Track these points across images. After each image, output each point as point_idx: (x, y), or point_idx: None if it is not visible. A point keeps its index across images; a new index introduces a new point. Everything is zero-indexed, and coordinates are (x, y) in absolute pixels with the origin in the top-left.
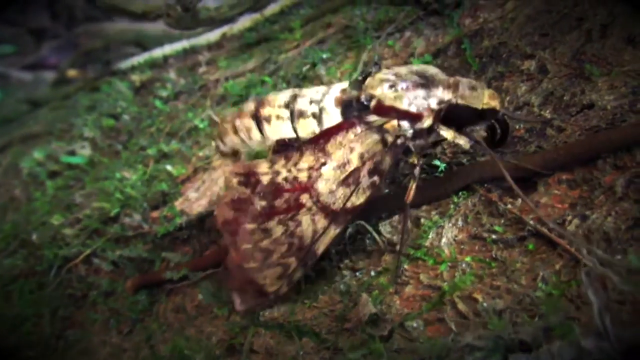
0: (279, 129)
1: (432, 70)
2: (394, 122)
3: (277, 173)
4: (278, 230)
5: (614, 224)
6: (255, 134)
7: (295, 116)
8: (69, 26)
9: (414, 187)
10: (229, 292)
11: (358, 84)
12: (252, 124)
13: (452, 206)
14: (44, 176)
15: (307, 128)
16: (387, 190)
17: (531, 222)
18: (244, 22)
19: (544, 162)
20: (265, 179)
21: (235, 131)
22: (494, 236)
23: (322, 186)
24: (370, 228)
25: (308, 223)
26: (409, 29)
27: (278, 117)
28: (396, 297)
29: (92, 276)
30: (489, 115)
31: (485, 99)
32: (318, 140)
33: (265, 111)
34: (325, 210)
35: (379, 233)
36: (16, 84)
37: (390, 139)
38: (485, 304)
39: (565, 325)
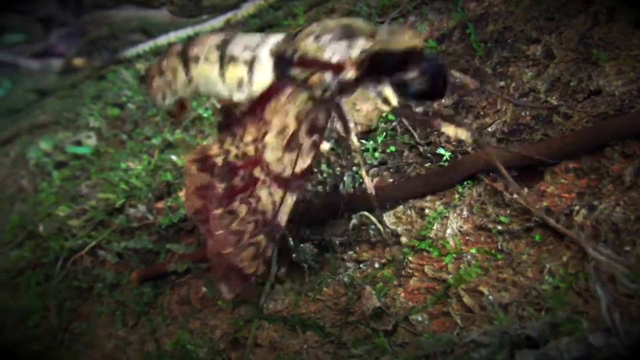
0: (206, 72)
1: (357, 22)
2: (317, 75)
3: (228, 152)
4: (242, 210)
5: (623, 214)
6: (181, 75)
7: (225, 61)
8: (77, 14)
9: (365, 176)
10: (216, 283)
11: (290, 38)
12: (178, 64)
13: (456, 196)
14: (50, 167)
15: (236, 74)
16: (391, 180)
17: (538, 212)
18: (248, 8)
19: (550, 150)
20: (219, 160)
21: (161, 72)
22: (499, 227)
23: (269, 156)
24: (374, 219)
25: (266, 196)
26: (413, 14)
27: (207, 59)
28: (400, 289)
29: (97, 268)
30: (414, 57)
31: (405, 40)
32: (256, 110)
33: (194, 50)
34: (278, 179)
35: (383, 224)
36: (25, 73)
37: (317, 93)
38: (491, 297)
39: (572, 320)
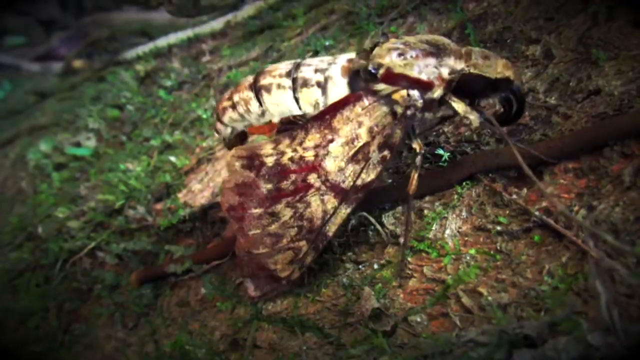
0: (280, 99)
1: (443, 39)
2: (404, 92)
3: (282, 153)
4: (286, 213)
5: (622, 214)
6: (254, 105)
7: (298, 85)
8: (77, 16)
9: (416, 176)
10: (242, 279)
11: (366, 54)
12: (250, 95)
13: (455, 197)
14: (50, 168)
15: (310, 98)
16: (390, 180)
17: (537, 212)
18: (248, 9)
19: (549, 150)
20: (269, 161)
21: (234, 106)
22: (498, 227)
23: (330, 164)
24: (373, 220)
25: (317, 204)
26: (412, 14)
27: (279, 86)
28: (399, 290)
29: (96, 269)
30: (503, 86)
31: (499, 68)
32: (324, 117)
33: (264, 80)
34: (335, 189)
35: (382, 225)
36: (25, 75)
37: (399, 110)
38: (490, 298)
39: (571, 320)
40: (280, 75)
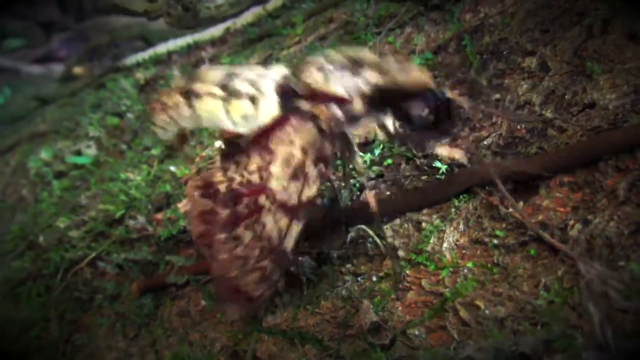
0: (210, 107)
1: (362, 52)
2: (323, 107)
3: (232, 179)
4: (247, 236)
5: (617, 228)
6: (184, 110)
7: (230, 96)
8: (77, 19)
9: (371, 197)
10: (220, 303)
11: (294, 69)
12: (180, 100)
13: (453, 210)
14: (50, 176)
15: (240, 109)
16: (388, 193)
17: (533, 227)
18: (247, 17)
19: (545, 164)
20: (222, 187)
21: (164, 109)
22: (495, 241)
23: (275, 185)
24: (371, 232)
25: (272, 223)
26: (409, 25)
27: (210, 94)
28: (398, 303)
29: (97, 279)
30: (423, 92)
31: (413, 73)
32: (260, 140)
33: (196, 87)
34: (284, 207)
35: (381, 237)
36: (25, 79)
37: (324, 125)
38: (487, 312)
39: (566, 336)
40: (213, 83)
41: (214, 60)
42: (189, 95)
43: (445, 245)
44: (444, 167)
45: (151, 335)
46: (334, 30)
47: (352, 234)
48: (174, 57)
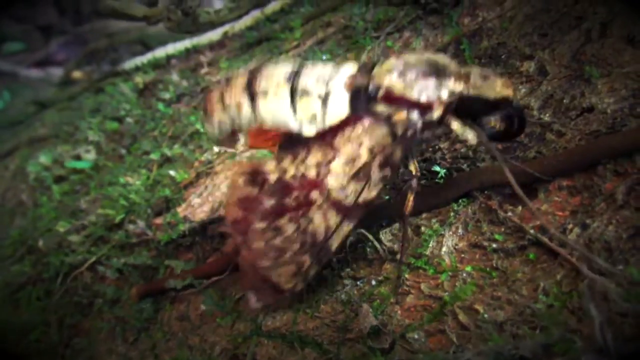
0: (276, 106)
1: (443, 59)
2: (403, 113)
3: (285, 171)
4: (289, 228)
5: (615, 232)
6: (247, 110)
7: (298, 94)
8: (76, 22)
9: (411, 198)
10: (244, 291)
11: (366, 71)
12: (244, 99)
13: (452, 214)
14: (50, 181)
15: (309, 109)
16: (387, 197)
17: (532, 231)
18: (246, 21)
19: (543, 168)
20: (272, 178)
21: (224, 108)
22: (494, 245)
23: (332, 182)
24: (370, 236)
25: (320, 220)
26: (408, 29)
27: (276, 92)
28: (397, 307)
29: (97, 284)
30: (502, 105)
31: (498, 88)
32: (325, 136)
33: (261, 84)
34: (337, 206)
35: (380, 241)
36: (24, 83)
37: (399, 131)
38: (486, 316)
39: (566, 340)
40: (279, 81)
41: (213, 64)
42: (254, 94)
43: (444, 249)
44: (442, 172)
45: (151, 339)
46: (333, 34)
47: (351, 238)
48: (173, 61)
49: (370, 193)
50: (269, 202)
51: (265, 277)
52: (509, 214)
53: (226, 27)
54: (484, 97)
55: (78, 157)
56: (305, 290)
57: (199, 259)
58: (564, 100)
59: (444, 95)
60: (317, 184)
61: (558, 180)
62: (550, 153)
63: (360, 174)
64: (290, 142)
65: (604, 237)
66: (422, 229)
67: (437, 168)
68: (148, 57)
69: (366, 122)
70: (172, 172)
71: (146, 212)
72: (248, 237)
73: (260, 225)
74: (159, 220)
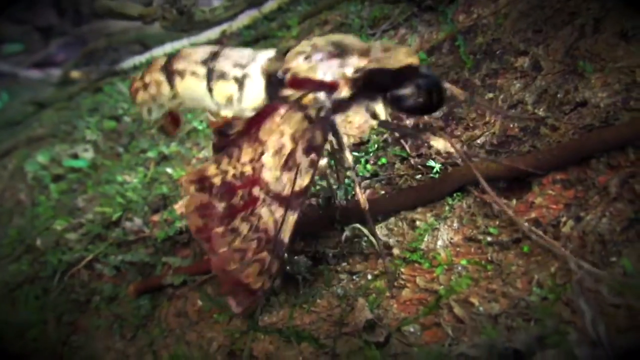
0: (192, 86)
1: (348, 39)
2: (311, 95)
3: (225, 172)
4: (244, 228)
5: (609, 225)
6: (165, 88)
7: (214, 76)
8: (75, 23)
9: (358, 190)
10: (224, 297)
11: (281, 57)
12: (162, 78)
13: (447, 208)
14: (48, 180)
15: (225, 91)
16: (382, 192)
17: (525, 224)
18: (243, 19)
19: (537, 162)
20: (217, 181)
21: (145, 87)
22: (489, 238)
23: (267, 175)
24: (366, 231)
25: (267, 214)
26: (403, 26)
27: (193, 73)
28: (393, 301)
29: (95, 281)
30: (410, 74)
31: (400, 56)
32: (250, 131)
33: (178, 65)
34: (278, 198)
35: (375, 236)
36: (23, 84)
37: (312, 113)
38: (481, 308)
39: (559, 332)
40: (196, 62)
41: None
42: (171, 73)
43: (439, 243)
44: (437, 166)
45: (149, 335)
46: (329, 32)
47: (347, 233)
48: None
49: (303, 180)
50: (220, 205)
51: (237, 280)
52: (504, 207)
53: (224, 26)
54: (387, 68)
55: (76, 156)
56: (302, 285)
57: (196, 256)
58: (558, 95)
59: (348, 72)
60: (256, 179)
61: (552, 174)
62: (544, 147)
63: (290, 163)
64: (223, 142)
65: (597, 229)
66: (418, 223)
67: (432, 163)
68: (146, 56)
69: (282, 110)
70: (169, 170)
71: (143, 209)
72: (212, 244)
73: (219, 229)
74: (156, 218)
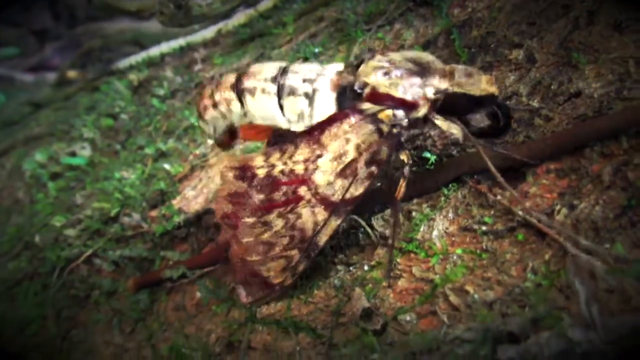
0: (263, 104)
1: (427, 57)
2: (389, 111)
3: (273, 166)
4: (278, 223)
5: (602, 212)
6: (236, 106)
7: (285, 92)
8: (70, 26)
9: (404, 185)
10: (234, 285)
11: (352, 69)
12: (232, 96)
13: (442, 198)
14: (46, 178)
15: (296, 107)
16: (379, 184)
17: (520, 212)
18: (239, 18)
19: (532, 152)
20: (261, 172)
21: (215, 105)
22: (484, 227)
23: (319, 178)
24: (363, 222)
25: (308, 215)
26: (399, 21)
27: (264, 90)
28: (389, 290)
29: (94, 276)
30: (487, 102)
31: (483, 85)
32: (312, 133)
33: (249, 83)
34: (325, 202)
35: (372, 227)
36: (19, 86)
37: (385, 128)
38: (476, 296)
39: (553, 316)
40: (266, 80)
41: (207, 61)
42: (242, 91)
43: (435, 233)
44: (433, 158)
45: (147, 329)
46: (325, 28)
47: (343, 225)
48: (167, 59)
49: (357, 190)
50: (257, 197)
51: (255, 272)
52: (498, 197)
53: (220, 25)
54: (469, 94)
55: (73, 154)
56: (299, 277)
57: (194, 250)
58: (552, 86)
59: (429, 93)
60: (305, 179)
61: (546, 163)
62: (538, 137)
63: (347, 171)
64: (278, 138)
65: (591, 217)
66: (413, 213)
67: (428, 154)
68: (142, 55)
69: (353, 119)
70: (166, 166)
71: (141, 205)
72: (238, 232)
73: (249, 219)
74: (154, 213)
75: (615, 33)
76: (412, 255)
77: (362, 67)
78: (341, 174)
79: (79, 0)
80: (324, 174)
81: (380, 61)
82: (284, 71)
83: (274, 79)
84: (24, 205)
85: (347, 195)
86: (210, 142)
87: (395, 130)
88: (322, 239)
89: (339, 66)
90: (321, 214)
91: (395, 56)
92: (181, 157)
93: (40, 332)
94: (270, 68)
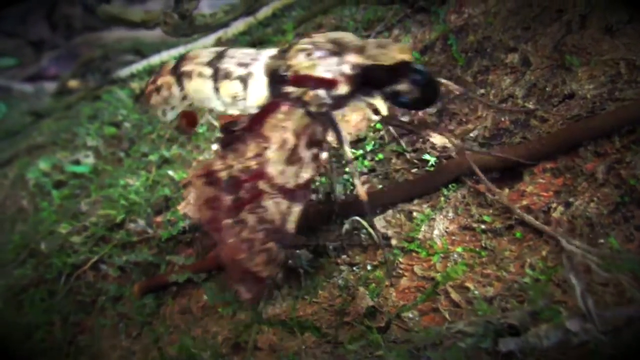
0: (200, 87)
1: (348, 36)
2: (312, 92)
3: (231, 166)
4: (251, 220)
5: (597, 209)
6: (176, 90)
7: (220, 76)
8: (67, 36)
9: (358, 183)
10: (234, 286)
11: (282, 54)
12: (172, 80)
13: (442, 199)
14: (50, 186)
15: (230, 90)
16: (380, 186)
17: (518, 211)
18: (238, 26)
19: (528, 153)
20: (223, 175)
21: (157, 90)
22: (483, 226)
23: (272, 169)
24: (365, 223)
25: (273, 207)
26: (397, 27)
27: (200, 74)
28: (392, 289)
29: (100, 282)
30: (403, 69)
31: (393, 53)
32: (254, 127)
33: (187, 66)
34: (283, 190)
35: (374, 228)
36: (18, 97)
37: (313, 109)
38: (476, 292)
39: (551, 308)
40: (202, 63)
41: None
42: (180, 75)
43: (435, 232)
44: (433, 159)
45: (154, 333)
46: None
47: (346, 226)
48: None
49: (307, 173)
50: (228, 198)
51: (246, 269)
52: (497, 196)
53: (219, 33)
54: (381, 64)
55: (77, 162)
56: (304, 278)
57: (199, 254)
58: (547, 89)
59: (346, 69)
60: (261, 173)
61: (542, 163)
62: (534, 138)
63: (293, 157)
64: (229, 139)
65: (586, 213)
66: (414, 214)
67: (428, 156)
68: (143, 64)
69: (284, 107)
70: (171, 172)
71: (146, 211)
72: (222, 234)
73: (227, 221)
74: (159, 219)
75: (606, 36)
76: (414, 254)
77: (289, 51)
78: (288, 161)
79: (76, 10)
80: (274, 165)
81: (304, 43)
82: (220, 55)
83: (210, 63)
84: (28, 213)
85: (300, 180)
86: (214, 147)
87: (322, 109)
88: (291, 226)
89: (273, 51)
90: (283, 203)
91: (319, 38)
92: (185, 164)
93: (47, 337)
94: (207, 52)
